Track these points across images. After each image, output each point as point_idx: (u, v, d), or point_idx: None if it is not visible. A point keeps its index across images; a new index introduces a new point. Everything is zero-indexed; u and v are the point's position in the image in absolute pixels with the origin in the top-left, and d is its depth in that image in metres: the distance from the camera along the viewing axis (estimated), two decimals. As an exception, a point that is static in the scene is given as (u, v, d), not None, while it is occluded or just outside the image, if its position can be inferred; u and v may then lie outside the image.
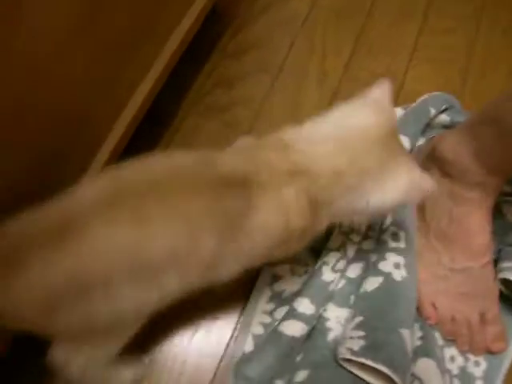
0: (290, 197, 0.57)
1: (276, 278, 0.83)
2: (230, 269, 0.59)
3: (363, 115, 0.62)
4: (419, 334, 0.77)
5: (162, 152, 0.57)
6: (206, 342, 0.81)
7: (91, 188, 0.53)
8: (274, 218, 0.57)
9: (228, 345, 0.80)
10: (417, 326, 0.77)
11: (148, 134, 0.93)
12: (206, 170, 0.55)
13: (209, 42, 1.11)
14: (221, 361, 0.79)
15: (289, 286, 0.83)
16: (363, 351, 0.68)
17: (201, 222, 0.53)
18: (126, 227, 0.50)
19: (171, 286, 0.55)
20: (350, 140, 0.60)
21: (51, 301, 0.51)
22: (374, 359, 0.67)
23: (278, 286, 0.83)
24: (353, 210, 0.62)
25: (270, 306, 0.82)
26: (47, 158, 0.65)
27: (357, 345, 0.70)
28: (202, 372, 0.79)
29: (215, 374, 0.78)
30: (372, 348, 0.69)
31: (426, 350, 0.74)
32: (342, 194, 0.60)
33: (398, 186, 0.61)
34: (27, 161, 0.61)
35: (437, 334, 0.79)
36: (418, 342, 0.75)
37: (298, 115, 1.02)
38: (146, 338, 0.78)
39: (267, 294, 0.83)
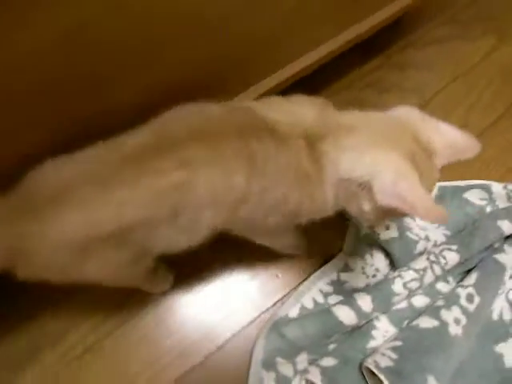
0: (302, 147, 0.59)
1: (346, 268, 0.88)
2: (254, 214, 0.62)
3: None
4: None
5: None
6: (257, 291, 0.88)
7: (136, 136, 0.58)
8: (289, 160, 0.59)
9: (276, 303, 0.86)
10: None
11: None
12: (237, 117, 0.60)
13: (379, 45, 1.15)
14: (263, 312, 0.85)
15: (353, 280, 0.87)
16: (387, 371, 0.72)
17: (233, 162, 0.57)
18: (173, 174, 0.55)
19: (204, 227, 0.61)
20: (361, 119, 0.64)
21: (89, 244, 0.56)
22: (392, 383, 0.71)
23: (344, 276, 0.88)
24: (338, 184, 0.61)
25: (328, 289, 0.87)
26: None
27: (384, 363, 0.73)
28: (243, 315, 0.85)
29: (253, 321, 0.85)
30: (396, 373, 0.72)
31: None
32: (335, 158, 0.60)
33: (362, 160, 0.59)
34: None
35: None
36: None
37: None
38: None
39: (331, 277, 0.88)
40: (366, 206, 0.60)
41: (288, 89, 0.90)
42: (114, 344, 0.82)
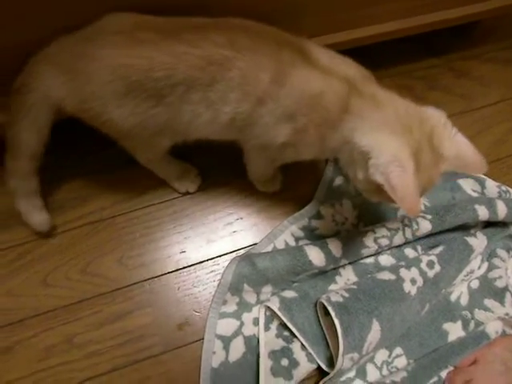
0: (344, 89, 0.67)
1: (317, 216, 0.96)
2: (267, 120, 0.71)
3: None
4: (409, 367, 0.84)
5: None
6: (236, 233, 0.96)
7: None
8: (309, 80, 0.68)
9: (250, 246, 0.94)
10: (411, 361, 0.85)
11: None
12: (284, 34, 0.71)
13: (445, 47, 1.21)
14: (237, 250, 0.94)
15: (323, 227, 0.95)
16: (335, 304, 0.79)
17: (265, 59, 0.67)
18: (223, 48, 0.66)
19: (227, 111, 0.70)
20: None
21: (133, 89, 0.67)
22: (337, 314, 0.78)
23: (315, 223, 0.95)
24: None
25: (300, 233, 0.95)
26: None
27: (335, 298, 0.81)
28: (215, 247, 0.94)
29: (223, 254, 0.93)
30: (343, 308, 0.79)
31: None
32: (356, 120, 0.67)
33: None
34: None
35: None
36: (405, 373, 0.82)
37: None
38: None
39: (303, 222, 0.95)
40: (360, 175, 0.67)
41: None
42: (126, 222, 0.94)
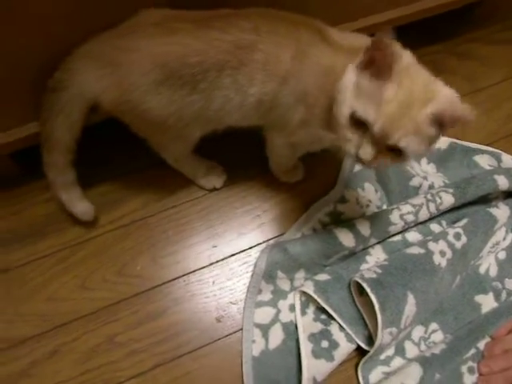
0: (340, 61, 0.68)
1: (342, 200, 0.98)
2: (288, 99, 0.74)
3: None
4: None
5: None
6: (264, 224, 0.98)
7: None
8: (323, 58, 0.71)
9: (279, 235, 0.97)
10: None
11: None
12: (298, 16, 0.74)
13: (448, 32, 1.24)
14: (267, 241, 0.96)
15: (349, 211, 0.97)
16: (369, 280, 0.81)
17: (284, 40, 0.72)
18: (249, 33, 0.71)
19: (251, 93, 0.74)
20: None
21: (168, 78, 0.71)
22: (372, 290, 0.80)
23: (341, 207, 0.98)
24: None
25: (326, 219, 0.97)
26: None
27: (368, 275, 0.83)
28: (246, 240, 0.96)
29: (254, 245, 0.96)
30: (378, 282, 0.81)
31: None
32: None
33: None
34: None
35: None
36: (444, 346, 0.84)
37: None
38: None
39: (329, 207, 0.98)
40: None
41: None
42: (157, 222, 0.97)
